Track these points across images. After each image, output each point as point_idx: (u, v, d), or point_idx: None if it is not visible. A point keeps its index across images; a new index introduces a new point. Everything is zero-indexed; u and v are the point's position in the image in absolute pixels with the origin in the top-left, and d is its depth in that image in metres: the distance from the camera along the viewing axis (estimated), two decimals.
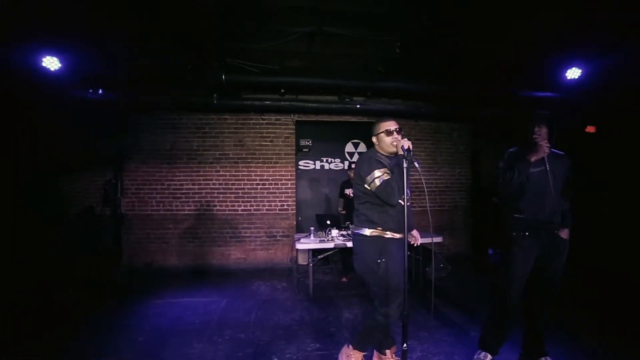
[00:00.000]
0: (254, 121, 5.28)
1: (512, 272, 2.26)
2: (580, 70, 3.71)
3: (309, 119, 5.36)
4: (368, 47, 3.88)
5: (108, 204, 5.03)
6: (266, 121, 5.29)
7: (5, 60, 3.24)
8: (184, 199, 5.21)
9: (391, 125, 2.12)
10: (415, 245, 2.31)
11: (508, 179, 2.27)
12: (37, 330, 3.06)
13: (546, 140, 2.21)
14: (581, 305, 3.52)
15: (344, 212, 4.58)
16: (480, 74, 4.33)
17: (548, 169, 2.21)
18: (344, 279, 4.54)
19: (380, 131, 2.13)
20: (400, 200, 2.00)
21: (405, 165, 1.88)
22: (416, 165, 1.92)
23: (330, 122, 5.44)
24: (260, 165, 5.29)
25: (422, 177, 2.00)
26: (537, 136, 2.24)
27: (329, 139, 5.63)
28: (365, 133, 5.71)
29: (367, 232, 2.09)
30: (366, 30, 3.38)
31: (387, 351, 2.27)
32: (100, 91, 4.19)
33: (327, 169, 5.66)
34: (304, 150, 5.53)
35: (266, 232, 5.30)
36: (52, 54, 3.53)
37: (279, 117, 5.29)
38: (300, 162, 5.63)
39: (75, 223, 4.79)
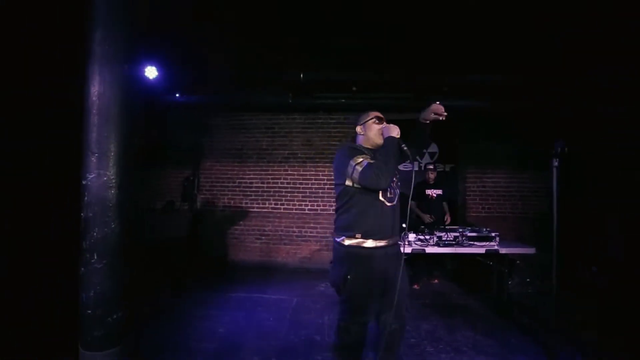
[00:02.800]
0: (321, 120, 5.26)
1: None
2: None
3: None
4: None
5: (186, 199, 5.40)
6: (335, 120, 5.25)
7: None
8: (253, 197, 5.38)
9: (378, 113, 1.96)
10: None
11: None
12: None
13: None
14: None
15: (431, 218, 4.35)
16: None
17: None
18: (415, 286, 4.29)
19: (368, 118, 1.94)
20: (383, 199, 1.77)
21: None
22: (405, 148, 1.76)
23: (402, 121, 5.17)
24: (328, 165, 5.25)
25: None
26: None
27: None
28: (436, 132, 5.37)
29: (341, 240, 1.80)
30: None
31: None
32: (185, 95, 4.49)
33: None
34: None
35: (332, 232, 5.22)
36: (151, 64, 3.89)
37: (347, 116, 5.21)
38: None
39: (160, 215, 5.21)
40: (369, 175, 1.65)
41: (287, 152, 5.32)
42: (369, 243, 1.74)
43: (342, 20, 3.33)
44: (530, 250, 3.62)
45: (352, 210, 1.78)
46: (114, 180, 1.26)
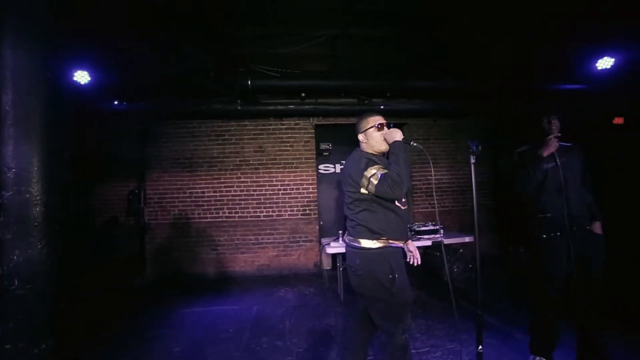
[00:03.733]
0: (273, 126, 5.27)
1: (550, 275, 2.18)
2: (612, 60, 3.61)
3: (328, 122, 5.34)
4: (389, 47, 3.85)
5: (132, 214, 5.04)
6: (285, 126, 5.28)
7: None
8: (206, 207, 5.19)
9: (380, 119, 1.91)
10: (414, 264, 2.05)
11: (525, 180, 2.23)
12: (70, 341, 3.04)
13: (554, 135, 2.17)
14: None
15: None
16: (503, 69, 4.27)
17: (559, 163, 2.16)
18: None
19: (368, 127, 1.90)
20: (399, 204, 1.82)
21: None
22: (414, 144, 1.86)
23: (350, 125, 5.39)
24: (281, 170, 5.26)
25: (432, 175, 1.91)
26: (553, 128, 2.18)
27: (348, 142, 5.55)
28: None
29: (371, 244, 1.79)
30: (388, 30, 3.35)
31: None
32: (125, 102, 4.22)
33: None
34: (324, 154, 5.49)
35: (289, 237, 5.24)
36: (82, 68, 3.59)
37: (298, 121, 5.27)
38: (321, 166, 5.59)
39: (100, 233, 4.80)
40: (385, 189, 1.68)
41: (239, 159, 5.23)
42: (394, 244, 1.82)
43: (290, 27, 3.41)
44: (470, 239, 3.97)
45: (374, 216, 1.80)
46: (38, 198, 1.16)
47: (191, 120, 5.12)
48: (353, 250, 1.86)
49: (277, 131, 5.29)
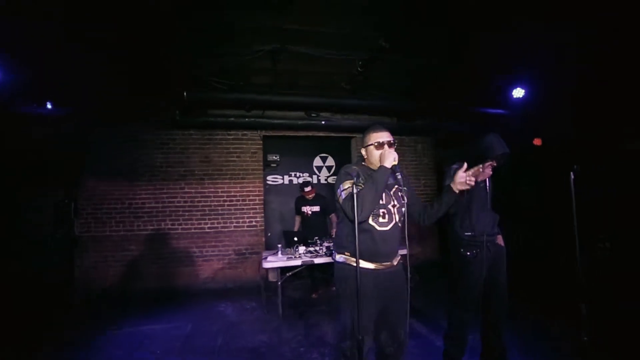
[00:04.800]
0: (220, 137, 5.19)
1: (470, 288, 2.37)
2: (523, 90, 4.05)
3: (277, 134, 5.36)
4: (332, 65, 3.97)
5: (60, 226, 4.68)
6: (232, 136, 5.22)
7: None
8: (146, 218, 4.97)
9: (382, 136, 1.84)
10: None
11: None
12: None
13: (490, 163, 2.36)
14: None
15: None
16: (439, 90, 4.58)
17: (488, 186, 2.37)
18: (314, 295, 4.51)
19: (369, 143, 1.86)
20: (373, 223, 1.76)
21: (391, 180, 1.77)
22: (398, 177, 1.76)
23: (298, 137, 5.47)
24: (227, 181, 5.18)
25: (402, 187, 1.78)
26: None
27: (296, 154, 5.65)
28: (333, 147, 5.82)
29: (337, 257, 1.86)
30: (329, 48, 3.46)
31: None
32: (49, 105, 3.94)
33: (295, 184, 5.66)
34: (272, 165, 5.51)
35: (234, 249, 5.17)
36: None
37: (245, 132, 5.24)
38: (269, 177, 5.59)
39: (27, 246, 4.42)
40: (345, 206, 1.69)
41: (183, 169, 5.08)
42: (355, 262, 1.67)
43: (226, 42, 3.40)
44: (403, 251, 4.13)
45: (344, 230, 1.82)
46: None
47: (133, 124, 4.89)
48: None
49: (224, 141, 5.22)
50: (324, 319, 3.73)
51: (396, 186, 1.84)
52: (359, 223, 1.64)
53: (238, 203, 5.23)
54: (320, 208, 4.53)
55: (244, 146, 5.24)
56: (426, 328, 3.39)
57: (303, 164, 5.70)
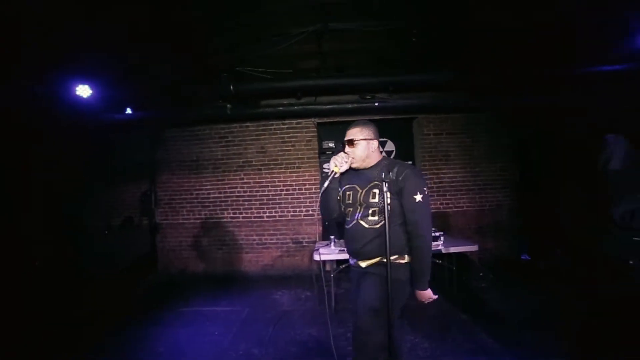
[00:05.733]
0: (274, 127, 5.22)
1: None
2: None
3: (331, 120, 5.17)
4: (382, 39, 3.57)
5: (145, 214, 5.35)
6: (287, 126, 5.21)
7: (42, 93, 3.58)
8: (211, 207, 5.34)
9: (346, 135, 1.90)
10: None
11: None
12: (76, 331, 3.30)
13: None
14: None
15: None
16: (520, 54, 3.75)
17: None
18: None
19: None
20: (348, 218, 1.86)
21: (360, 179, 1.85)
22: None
23: (354, 122, 5.18)
24: (283, 170, 5.22)
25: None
26: None
27: None
28: (392, 130, 5.37)
29: None
30: (373, 21, 3.09)
31: None
32: (127, 111, 4.44)
33: None
34: (328, 152, 5.34)
35: (292, 238, 5.22)
36: (84, 82, 3.81)
37: (299, 120, 5.17)
38: (325, 165, 5.45)
39: (118, 233, 5.16)
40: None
41: (241, 160, 5.28)
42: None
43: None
44: (473, 248, 3.61)
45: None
46: None
47: (195, 124, 5.25)
48: None
49: (279, 131, 5.24)
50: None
51: (371, 184, 1.78)
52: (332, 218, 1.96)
53: (295, 192, 5.24)
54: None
55: (299, 135, 5.19)
56: (498, 343, 2.84)
57: None
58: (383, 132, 5.34)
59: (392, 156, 5.41)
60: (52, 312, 3.40)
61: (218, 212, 5.31)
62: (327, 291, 4.02)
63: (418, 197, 1.67)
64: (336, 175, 1.84)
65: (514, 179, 5.26)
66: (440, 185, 5.21)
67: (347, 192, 1.87)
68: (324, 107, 4.36)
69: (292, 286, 4.64)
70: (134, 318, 3.70)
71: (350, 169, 1.88)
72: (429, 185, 5.24)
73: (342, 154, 1.84)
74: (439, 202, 5.22)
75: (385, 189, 1.58)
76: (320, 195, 1.85)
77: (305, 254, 5.21)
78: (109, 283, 4.35)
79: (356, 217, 1.80)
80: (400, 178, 1.69)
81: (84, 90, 3.85)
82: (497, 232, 5.17)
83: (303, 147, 5.23)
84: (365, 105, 4.29)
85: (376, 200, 1.72)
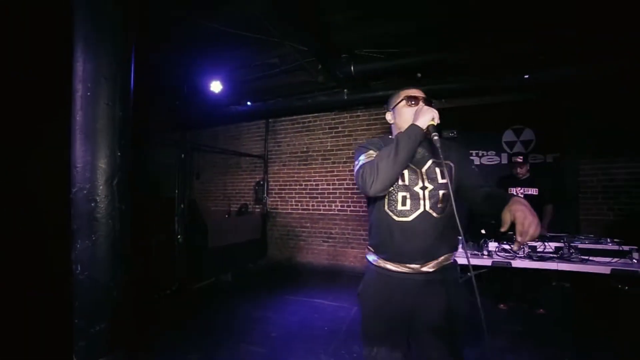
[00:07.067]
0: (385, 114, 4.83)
1: None
2: None
3: (453, 105, 4.48)
4: None
5: (258, 203, 5.66)
6: None
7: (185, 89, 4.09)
8: (319, 199, 5.29)
9: (414, 92, 1.40)
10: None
11: None
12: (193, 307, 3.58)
13: None
14: None
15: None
16: None
17: None
18: (502, 306, 3.48)
19: (398, 100, 1.41)
20: (389, 210, 1.30)
21: (422, 152, 1.34)
22: (437, 145, 1.19)
23: (481, 107, 4.39)
24: None
25: None
26: None
27: (479, 127, 4.55)
28: (533, 115, 4.34)
29: (370, 258, 1.44)
30: None
31: None
32: (248, 103, 4.71)
33: (478, 164, 4.60)
34: None
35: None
36: (215, 78, 4.19)
37: None
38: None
39: (236, 217, 5.59)
40: (357, 179, 1.29)
41: (351, 151, 5.06)
42: (383, 263, 1.36)
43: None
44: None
45: (370, 222, 1.45)
46: (97, 194, 1.24)
47: (306, 114, 5.28)
48: None
49: None
50: (515, 340, 2.75)
51: (431, 160, 1.34)
52: (375, 201, 1.34)
53: None
54: (539, 192, 3.36)
55: None
56: None
57: (488, 140, 4.55)
58: (520, 117, 4.40)
59: (529, 148, 4.39)
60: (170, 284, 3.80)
61: (326, 203, 5.22)
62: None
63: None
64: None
65: None
66: (608, 184, 3.96)
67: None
68: (451, 85, 3.74)
69: None
70: (244, 298, 3.86)
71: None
72: (590, 185, 4.05)
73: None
74: (606, 208, 3.96)
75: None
76: (394, 154, 1.20)
77: None
78: (225, 261, 4.67)
79: (422, 207, 1.30)
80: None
81: (216, 86, 4.22)
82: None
83: None
84: (501, 84, 3.51)
85: (447, 181, 1.22)
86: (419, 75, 3.95)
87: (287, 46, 3.27)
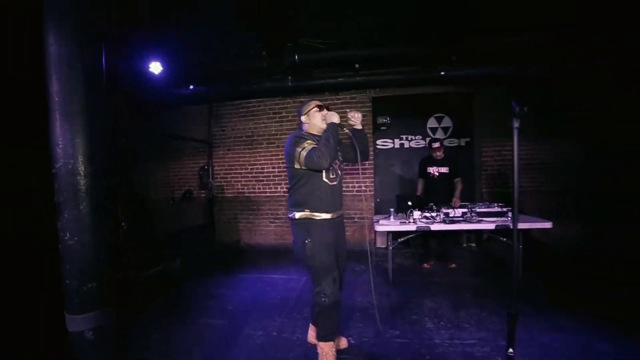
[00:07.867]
0: (328, 101, 5.18)
1: None
2: None
3: (386, 94, 5.03)
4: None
5: (203, 188, 5.64)
6: (341, 100, 5.15)
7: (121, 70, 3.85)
8: (265, 182, 5.49)
9: (318, 102, 2.22)
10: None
11: None
12: (150, 293, 3.61)
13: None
14: None
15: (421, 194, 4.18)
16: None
17: None
18: (425, 265, 4.21)
19: (310, 108, 2.19)
20: (326, 179, 2.05)
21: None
22: (346, 130, 2.15)
23: (410, 96, 5.01)
24: None
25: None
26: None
27: (408, 115, 5.20)
28: (450, 106, 5.11)
29: (296, 214, 2.09)
30: None
31: (327, 343, 2.15)
32: (190, 87, 4.62)
33: (407, 147, 5.27)
34: (382, 128, 5.22)
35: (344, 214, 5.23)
36: (155, 59, 4.02)
37: (354, 95, 5.09)
38: (378, 141, 5.35)
39: (180, 203, 5.50)
40: (312, 160, 1.91)
41: None
42: (317, 215, 2.06)
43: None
44: (547, 225, 3.37)
45: (301, 190, 2.08)
46: (79, 169, 1.36)
47: (250, 100, 5.36)
48: (290, 222, 2.17)
49: (333, 106, 5.16)
50: (438, 290, 3.43)
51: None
52: (315, 174, 2.02)
53: (347, 167, 5.16)
54: (450, 169, 4.03)
55: (353, 108, 5.11)
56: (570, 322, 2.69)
57: (415, 126, 5.23)
58: (441, 107, 5.14)
59: (447, 133, 5.18)
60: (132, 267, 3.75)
61: (272, 186, 5.46)
62: (383, 265, 4.03)
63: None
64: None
65: (578, 156, 4.78)
66: (501, 163, 4.91)
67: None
68: (386, 77, 4.22)
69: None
70: (197, 281, 3.98)
71: (313, 135, 2.15)
72: (490, 163, 4.98)
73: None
74: (501, 181, 4.94)
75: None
76: (334, 142, 1.95)
77: (356, 230, 5.22)
78: (172, 248, 4.68)
79: (339, 174, 2.20)
80: None
81: (156, 67, 4.07)
82: (559, 215, 4.79)
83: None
84: (429, 76, 4.09)
85: (341, 158, 2.33)
86: (357, 66, 4.35)
87: (233, 32, 3.36)
